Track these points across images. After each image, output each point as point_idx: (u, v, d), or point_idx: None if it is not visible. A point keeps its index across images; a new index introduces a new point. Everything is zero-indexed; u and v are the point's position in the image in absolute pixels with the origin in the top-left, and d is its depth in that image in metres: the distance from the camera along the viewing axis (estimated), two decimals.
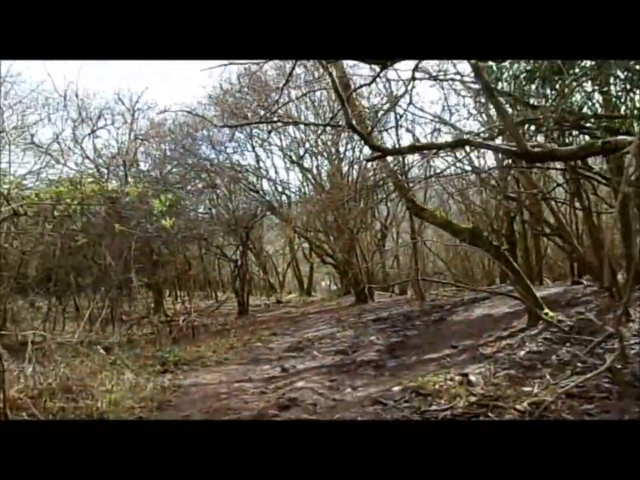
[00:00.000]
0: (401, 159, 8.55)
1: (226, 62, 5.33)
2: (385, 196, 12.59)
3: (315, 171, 14.36)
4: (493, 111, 6.61)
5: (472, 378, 4.16)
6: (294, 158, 14.45)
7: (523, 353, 4.79)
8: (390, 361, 5.78)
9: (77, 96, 13.05)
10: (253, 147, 14.81)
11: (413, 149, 7.10)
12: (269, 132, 11.54)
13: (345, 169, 13.58)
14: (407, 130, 10.69)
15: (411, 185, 8.19)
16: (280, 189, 15.32)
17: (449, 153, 7.65)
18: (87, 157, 13.45)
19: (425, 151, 6.67)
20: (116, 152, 13.86)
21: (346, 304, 12.98)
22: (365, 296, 11.85)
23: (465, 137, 6.08)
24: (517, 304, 6.52)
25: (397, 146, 8.52)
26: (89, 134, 13.63)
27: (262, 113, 10.68)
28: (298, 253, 19.61)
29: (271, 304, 15.72)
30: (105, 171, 12.55)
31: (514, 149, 3.86)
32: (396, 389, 4.24)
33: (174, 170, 13.59)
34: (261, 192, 14.22)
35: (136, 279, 6.20)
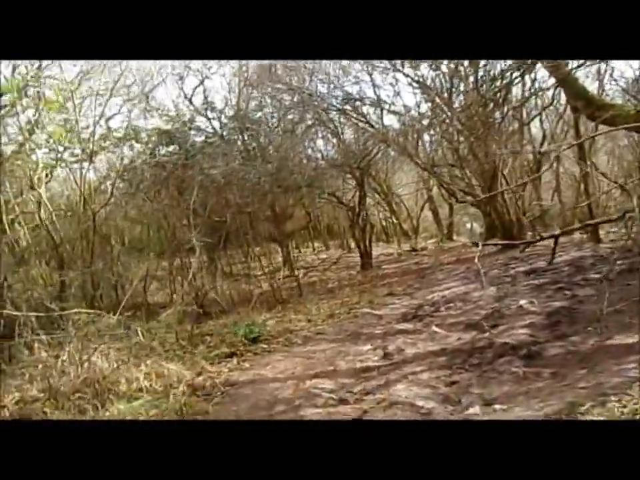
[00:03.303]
0: None
1: None
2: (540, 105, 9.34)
3: (445, 95, 11.82)
4: None
5: None
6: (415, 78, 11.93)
7: None
8: (551, 345, 3.67)
9: None
10: (370, 75, 12.79)
11: None
12: None
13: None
14: None
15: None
16: (404, 120, 13.12)
17: None
18: (197, 111, 13.08)
19: None
20: (225, 103, 13.26)
21: (489, 251, 10.64)
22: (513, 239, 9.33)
23: None
24: None
25: None
26: (197, 86, 13.21)
27: None
28: (436, 194, 17.28)
29: (403, 252, 14.03)
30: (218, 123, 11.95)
31: None
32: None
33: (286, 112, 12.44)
34: (380, 126, 12.18)
35: (195, 237, 5.06)
